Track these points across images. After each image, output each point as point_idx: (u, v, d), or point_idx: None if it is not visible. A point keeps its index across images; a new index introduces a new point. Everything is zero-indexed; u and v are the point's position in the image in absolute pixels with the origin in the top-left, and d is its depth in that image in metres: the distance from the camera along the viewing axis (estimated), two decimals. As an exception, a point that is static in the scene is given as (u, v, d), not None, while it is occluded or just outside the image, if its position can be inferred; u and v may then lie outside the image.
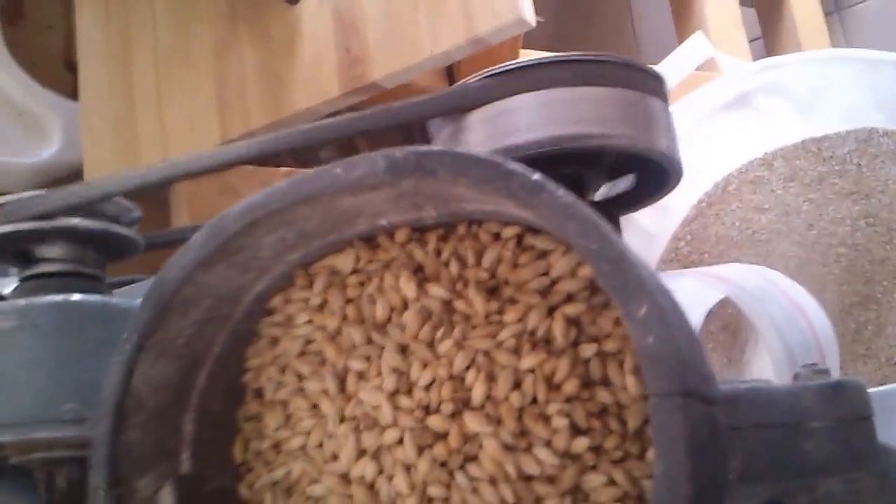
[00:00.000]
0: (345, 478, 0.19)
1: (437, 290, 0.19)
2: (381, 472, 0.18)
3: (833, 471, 0.22)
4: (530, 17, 0.54)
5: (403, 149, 0.18)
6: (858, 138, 0.61)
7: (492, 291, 0.19)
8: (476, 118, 0.26)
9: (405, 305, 0.19)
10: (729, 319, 0.54)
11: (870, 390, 0.46)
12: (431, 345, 0.18)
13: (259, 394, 0.21)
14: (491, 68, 0.26)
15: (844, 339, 0.58)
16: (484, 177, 0.17)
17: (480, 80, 0.26)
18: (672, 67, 0.54)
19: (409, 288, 0.19)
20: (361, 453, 0.19)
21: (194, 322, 0.20)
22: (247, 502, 0.20)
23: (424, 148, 0.18)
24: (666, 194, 0.28)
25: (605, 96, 0.25)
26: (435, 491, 0.17)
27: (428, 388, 0.18)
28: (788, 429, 0.21)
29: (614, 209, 0.27)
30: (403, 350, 0.19)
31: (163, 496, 0.20)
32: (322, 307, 0.20)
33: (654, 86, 0.27)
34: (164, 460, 0.20)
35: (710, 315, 0.49)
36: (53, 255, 0.32)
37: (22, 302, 0.30)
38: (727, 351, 0.53)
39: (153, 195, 0.73)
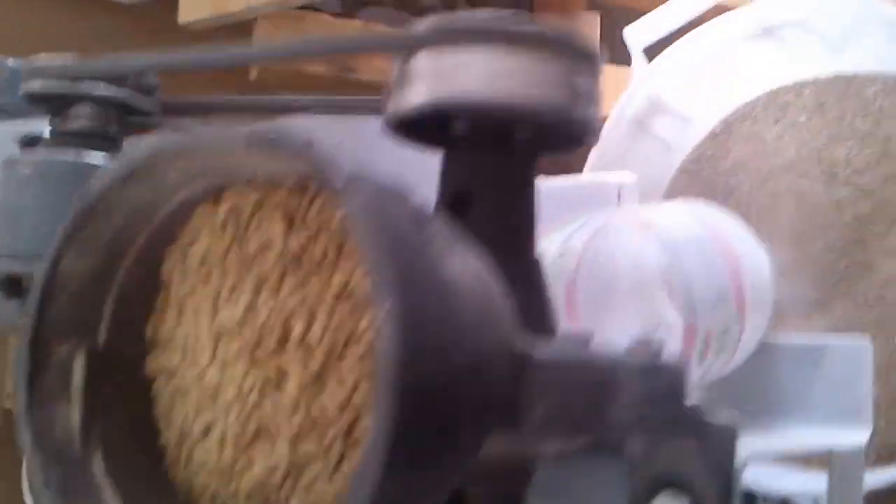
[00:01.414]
0: (200, 377, 0.23)
1: (295, 239, 0.22)
2: (221, 381, 0.23)
3: (633, 432, 0.25)
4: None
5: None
6: (886, 82, 0.61)
7: (340, 246, 0.22)
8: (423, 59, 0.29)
9: (270, 245, 0.23)
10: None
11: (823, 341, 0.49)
12: (280, 284, 0.22)
13: (168, 288, 0.25)
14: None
15: (830, 278, 0.60)
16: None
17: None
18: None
19: (276, 231, 0.23)
20: (213, 359, 0.23)
21: (116, 225, 0.24)
22: (149, 376, 0.26)
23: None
24: (576, 149, 0.30)
25: (540, 65, 0.28)
26: (254, 411, 0.22)
27: (265, 322, 0.22)
28: (596, 395, 0.25)
29: (530, 157, 0.30)
30: (259, 285, 0.23)
31: (76, 363, 0.25)
32: (224, 226, 0.24)
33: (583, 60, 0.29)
34: (83, 333, 0.25)
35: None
36: (78, 115, 0.37)
37: (39, 156, 0.36)
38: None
39: (240, 32, 0.77)
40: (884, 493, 0.53)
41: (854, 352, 0.45)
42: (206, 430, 0.23)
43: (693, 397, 0.27)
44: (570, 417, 0.24)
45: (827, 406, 0.44)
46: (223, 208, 0.24)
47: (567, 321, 0.35)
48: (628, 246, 0.34)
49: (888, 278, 0.59)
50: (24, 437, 0.24)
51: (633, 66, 0.59)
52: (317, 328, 0.21)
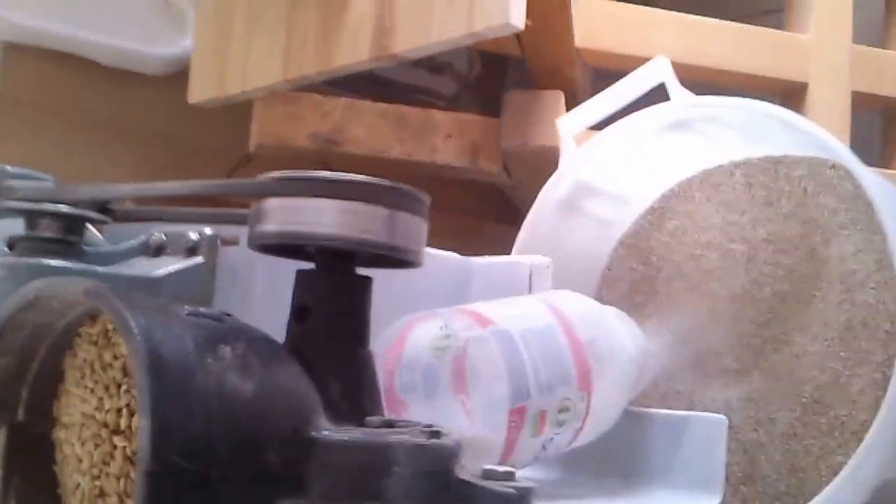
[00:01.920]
0: (73, 449, 0.33)
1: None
2: (83, 453, 0.32)
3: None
4: (518, 21, 0.64)
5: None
6: (811, 164, 0.68)
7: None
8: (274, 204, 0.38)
9: (118, 357, 0.32)
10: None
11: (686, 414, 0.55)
12: (118, 388, 0.31)
13: (64, 382, 0.35)
14: (295, 172, 0.38)
15: (748, 351, 0.67)
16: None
17: (280, 178, 0.38)
18: (627, 85, 0.63)
19: (122, 348, 0.32)
20: (79, 437, 0.32)
21: (23, 336, 0.34)
22: (57, 442, 0.35)
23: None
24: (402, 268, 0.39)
25: (366, 209, 0.37)
26: (99, 476, 0.31)
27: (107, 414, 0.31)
28: (372, 472, 0.33)
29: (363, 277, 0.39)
30: (108, 386, 0.32)
31: (0, 435, 0.34)
32: (96, 341, 0.33)
33: (407, 202, 0.38)
34: (5, 411, 0.34)
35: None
36: (46, 226, 0.47)
37: (11, 260, 0.46)
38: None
39: (240, 113, 0.88)
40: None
41: (712, 425, 0.52)
42: (76, 488, 0.32)
43: (468, 470, 0.35)
44: (349, 491, 0.33)
45: (686, 473, 0.52)
46: (95, 328, 0.33)
47: (390, 408, 0.43)
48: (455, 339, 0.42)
49: (799, 353, 0.65)
50: None
51: (562, 153, 0.67)
52: (135, 422, 0.30)
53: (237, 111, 0.89)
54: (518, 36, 0.76)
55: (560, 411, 0.45)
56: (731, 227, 0.69)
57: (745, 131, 0.64)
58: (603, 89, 0.67)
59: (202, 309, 0.32)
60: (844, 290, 0.63)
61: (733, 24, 0.97)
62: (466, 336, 0.42)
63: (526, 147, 0.82)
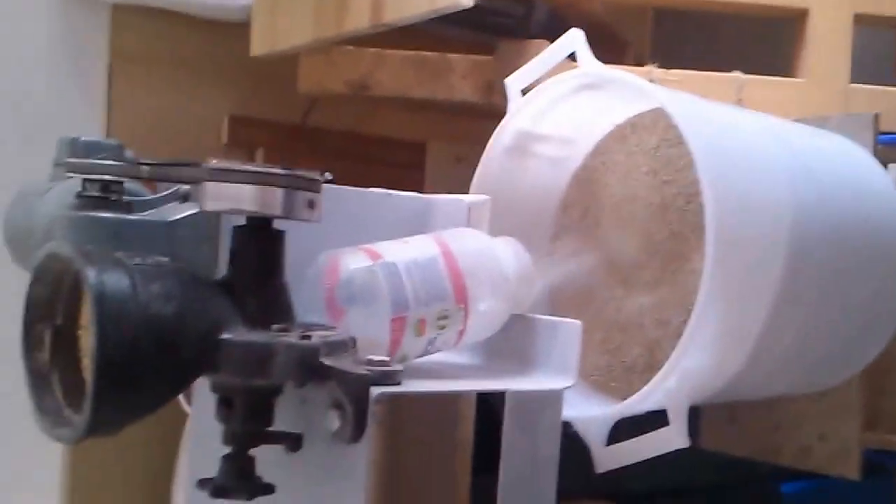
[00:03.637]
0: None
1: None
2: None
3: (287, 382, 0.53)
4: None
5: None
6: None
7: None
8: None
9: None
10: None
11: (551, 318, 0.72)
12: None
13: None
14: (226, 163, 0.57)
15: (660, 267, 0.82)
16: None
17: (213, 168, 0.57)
18: (550, 53, 0.78)
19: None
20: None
21: (52, 274, 0.55)
22: (80, 338, 0.57)
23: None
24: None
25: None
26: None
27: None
28: (257, 362, 0.53)
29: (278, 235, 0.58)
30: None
31: (46, 334, 0.56)
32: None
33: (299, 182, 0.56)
34: (48, 318, 0.56)
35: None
36: (94, 187, 0.68)
37: (70, 213, 0.67)
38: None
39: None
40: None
41: (569, 327, 0.68)
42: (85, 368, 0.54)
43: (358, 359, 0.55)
44: (245, 371, 0.53)
45: (553, 363, 0.69)
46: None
47: (332, 314, 0.63)
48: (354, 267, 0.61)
49: (695, 269, 0.80)
50: (26, 366, 0.56)
51: (509, 106, 0.83)
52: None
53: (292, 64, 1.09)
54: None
55: (439, 318, 0.64)
56: (646, 177, 0.84)
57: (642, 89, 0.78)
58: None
59: (150, 259, 0.53)
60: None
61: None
62: (359, 267, 0.61)
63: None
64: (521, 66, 0.99)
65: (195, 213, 0.70)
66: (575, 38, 0.77)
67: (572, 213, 0.90)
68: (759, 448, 1.08)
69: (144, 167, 0.62)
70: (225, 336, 0.53)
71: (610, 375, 0.84)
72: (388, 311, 0.61)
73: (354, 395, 0.54)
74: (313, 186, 0.57)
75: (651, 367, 0.81)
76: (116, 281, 0.49)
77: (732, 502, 1.30)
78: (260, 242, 0.58)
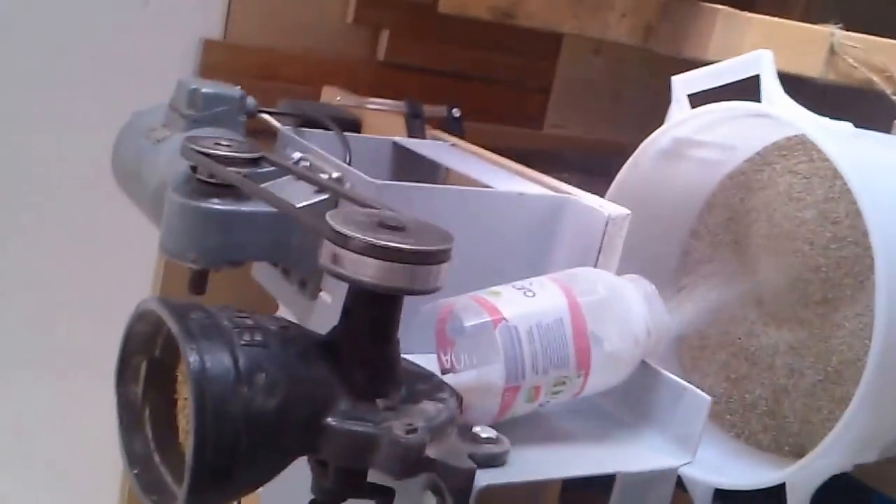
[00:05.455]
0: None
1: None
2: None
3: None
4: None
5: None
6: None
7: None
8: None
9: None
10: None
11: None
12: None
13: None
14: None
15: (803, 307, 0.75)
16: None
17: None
18: (728, 67, 0.68)
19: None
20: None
21: (153, 318, 0.51)
22: (178, 378, 0.53)
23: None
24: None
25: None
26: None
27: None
28: (362, 449, 0.49)
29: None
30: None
31: (142, 366, 0.53)
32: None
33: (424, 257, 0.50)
34: (147, 350, 0.53)
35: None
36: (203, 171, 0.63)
37: (180, 200, 0.62)
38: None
39: None
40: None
41: (699, 399, 0.62)
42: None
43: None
44: (347, 457, 0.49)
45: (670, 431, 0.63)
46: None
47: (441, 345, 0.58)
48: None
49: (839, 323, 0.72)
50: (118, 401, 0.53)
51: (672, 107, 0.74)
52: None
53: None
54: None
55: (555, 385, 0.58)
56: (808, 202, 0.74)
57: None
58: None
59: (258, 332, 0.48)
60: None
61: None
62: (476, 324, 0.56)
63: (679, 55, 0.87)
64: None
65: (315, 203, 0.65)
66: (762, 60, 0.66)
67: (716, 215, 0.82)
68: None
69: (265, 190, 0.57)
70: (328, 421, 0.49)
71: (727, 406, 0.78)
72: (502, 380, 0.56)
73: (458, 488, 0.51)
74: (441, 258, 0.51)
75: (773, 413, 0.75)
76: (219, 373, 0.45)
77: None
78: (376, 310, 0.52)
